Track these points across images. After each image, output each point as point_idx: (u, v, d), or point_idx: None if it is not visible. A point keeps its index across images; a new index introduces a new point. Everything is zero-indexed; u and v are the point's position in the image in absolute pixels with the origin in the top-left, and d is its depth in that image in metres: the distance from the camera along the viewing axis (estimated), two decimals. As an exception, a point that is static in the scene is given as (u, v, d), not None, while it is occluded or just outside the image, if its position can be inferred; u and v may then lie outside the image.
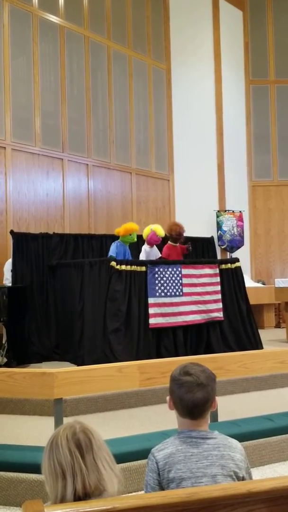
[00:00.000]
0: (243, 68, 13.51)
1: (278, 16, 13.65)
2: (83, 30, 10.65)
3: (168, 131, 12.20)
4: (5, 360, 7.05)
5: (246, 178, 13.32)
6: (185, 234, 8.54)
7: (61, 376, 4.18)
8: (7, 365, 6.97)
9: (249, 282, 11.48)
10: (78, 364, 7.19)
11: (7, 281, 8.06)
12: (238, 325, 7.77)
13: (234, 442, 2.29)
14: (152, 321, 6.99)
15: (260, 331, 10.73)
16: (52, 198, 9.86)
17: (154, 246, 8.08)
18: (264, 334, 10.07)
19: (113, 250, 7.58)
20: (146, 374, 4.46)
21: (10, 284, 7.84)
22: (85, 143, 10.53)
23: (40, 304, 8.06)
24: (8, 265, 8.18)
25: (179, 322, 7.20)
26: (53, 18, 10.14)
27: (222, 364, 4.78)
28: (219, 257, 11.68)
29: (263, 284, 12.03)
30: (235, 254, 12.28)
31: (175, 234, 8.24)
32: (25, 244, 8.08)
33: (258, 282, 12.23)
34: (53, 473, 1.79)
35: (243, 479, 2.17)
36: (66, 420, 5.43)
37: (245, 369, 4.85)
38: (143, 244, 8.11)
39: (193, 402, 2.20)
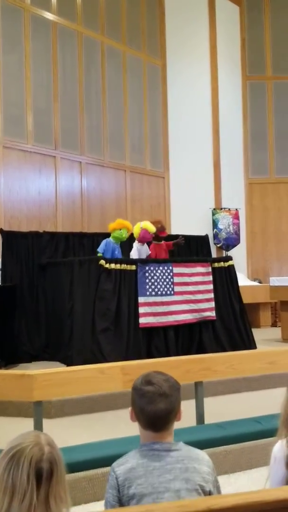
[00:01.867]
0: (239, 64, 13.36)
1: (275, 11, 13.50)
2: (76, 26, 10.52)
3: (163, 128, 12.07)
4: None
5: (243, 176, 13.18)
6: (177, 232, 8.45)
7: (41, 378, 4.06)
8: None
9: (245, 281, 11.36)
10: (68, 364, 7.08)
11: (-3, 280, 7.95)
12: (231, 325, 7.63)
13: (201, 453, 2.15)
14: (142, 320, 6.86)
15: (256, 330, 10.64)
16: (45, 196, 9.75)
17: (145, 243, 7.94)
18: (260, 333, 9.94)
19: (101, 246, 7.47)
20: (129, 376, 4.32)
21: (-1, 283, 7.73)
22: (78, 140, 10.40)
23: (30, 303, 7.94)
24: (-2, 264, 8.07)
25: (170, 321, 7.08)
26: (45, 14, 10.01)
27: (209, 364, 4.66)
28: (214, 255, 11.55)
29: (260, 282, 11.89)
30: (231, 253, 12.15)
31: (158, 231, 8.12)
32: (15, 243, 7.95)
33: (254, 281, 12.11)
34: (1, 485, 1.67)
35: (210, 493, 2.04)
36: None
37: (233, 370, 4.73)
38: (131, 241, 7.96)
39: (155, 413, 2.07)
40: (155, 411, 2.06)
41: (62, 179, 10.02)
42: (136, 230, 7.81)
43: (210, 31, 12.79)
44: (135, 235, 7.80)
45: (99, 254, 7.31)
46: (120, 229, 7.45)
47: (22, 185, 9.41)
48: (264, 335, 9.85)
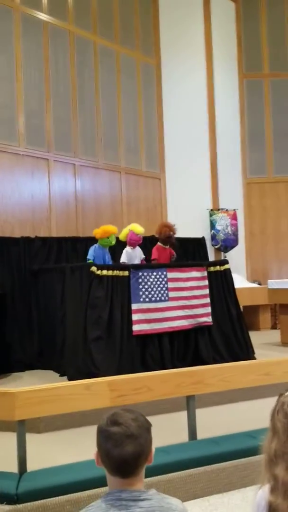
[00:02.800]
0: (236, 61, 13.10)
1: (272, 7, 13.25)
2: (67, 25, 10.31)
3: (158, 128, 11.86)
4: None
5: (241, 176, 12.94)
6: (176, 235, 8.22)
7: (23, 396, 3.87)
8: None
9: (244, 283, 11.17)
10: (60, 373, 6.93)
11: (-12, 287, 7.77)
12: (228, 330, 7.44)
13: (174, 502, 1.92)
14: (135, 327, 6.67)
15: (255, 333, 10.46)
16: (38, 200, 9.55)
17: (137, 247, 7.71)
18: (259, 337, 9.76)
19: (90, 253, 7.27)
20: (117, 391, 4.15)
21: (-10, 291, 7.55)
22: (72, 142, 10.20)
23: (22, 310, 7.77)
24: (-12, 271, 7.89)
25: (165, 328, 6.88)
26: (36, 14, 9.80)
27: (201, 378, 4.46)
28: (211, 257, 11.37)
29: (259, 284, 11.69)
30: (229, 254, 11.96)
31: (163, 236, 7.90)
32: (6, 249, 7.78)
33: (254, 282, 11.90)
34: None
35: None
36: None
37: (226, 383, 4.53)
38: (124, 246, 7.73)
39: (122, 457, 1.84)
40: (121, 455, 1.84)
41: (55, 182, 9.82)
42: (124, 234, 7.60)
43: (205, 28, 12.56)
44: (122, 239, 7.59)
45: (89, 261, 7.12)
46: (108, 237, 7.24)
47: (14, 188, 9.21)
48: (263, 338, 9.67)
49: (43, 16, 9.91)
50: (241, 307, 11.11)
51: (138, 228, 7.51)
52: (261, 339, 9.47)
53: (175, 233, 7.95)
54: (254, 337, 9.54)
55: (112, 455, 1.85)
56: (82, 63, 10.53)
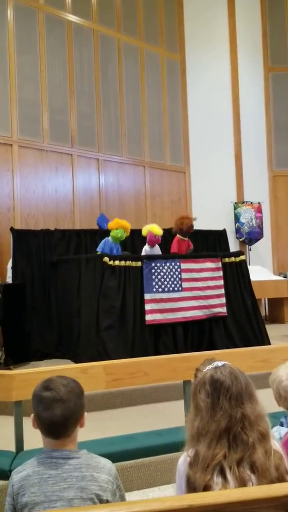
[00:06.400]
0: (261, 54, 12.98)
1: (299, -1, 13.09)
2: (91, 24, 10.49)
3: (183, 122, 11.92)
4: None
5: (266, 168, 12.85)
6: (196, 227, 8.42)
7: (20, 378, 4.06)
8: (3, 363, 6.93)
9: (269, 275, 11.15)
10: (77, 362, 7.10)
11: (10, 278, 8.03)
12: (243, 321, 7.50)
13: (103, 461, 2.09)
14: (148, 317, 6.81)
15: (279, 325, 10.45)
16: (62, 194, 9.78)
17: (156, 245, 7.89)
18: (283, 329, 9.75)
19: (100, 246, 7.52)
20: (113, 375, 4.29)
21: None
22: (96, 137, 10.39)
23: (41, 301, 8.00)
24: (11, 263, 8.15)
25: (178, 318, 7.00)
26: (60, 13, 10.01)
27: (196, 363, 4.50)
28: (236, 249, 11.35)
29: (285, 277, 11.62)
30: (254, 247, 11.95)
31: (186, 228, 8.09)
32: (26, 241, 8.02)
33: (280, 275, 11.84)
34: None
35: (107, 502, 1.98)
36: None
37: (222, 369, 4.59)
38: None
39: (51, 420, 2.02)
40: (51, 417, 2.02)
41: (79, 176, 10.03)
42: (144, 233, 7.83)
43: (229, 22, 12.49)
44: (144, 234, 7.80)
45: (97, 253, 7.33)
46: (117, 229, 7.42)
47: (38, 183, 9.46)
48: (286, 331, 9.64)
49: (67, 16, 10.10)
50: (265, 299, 11.16)
51: (156, 230, 7.70)
52: (284, 331, 9.46)
53: (192, 225, 8.17)
54: (278, 329, 9.56)
55: (43, 418, 2.03)
56: (106, 60, 10.69)
